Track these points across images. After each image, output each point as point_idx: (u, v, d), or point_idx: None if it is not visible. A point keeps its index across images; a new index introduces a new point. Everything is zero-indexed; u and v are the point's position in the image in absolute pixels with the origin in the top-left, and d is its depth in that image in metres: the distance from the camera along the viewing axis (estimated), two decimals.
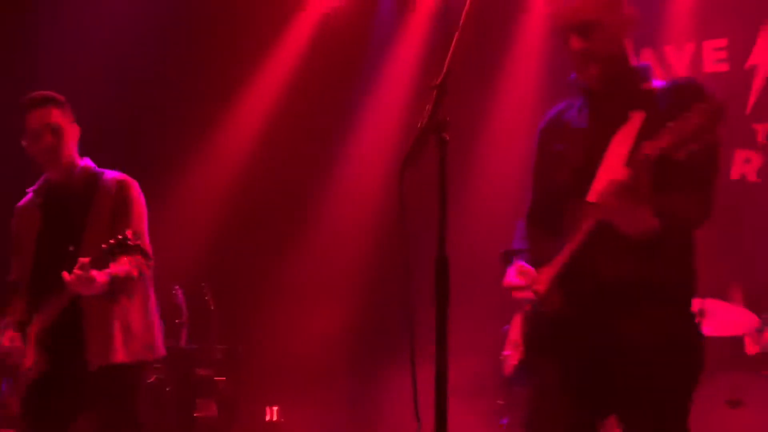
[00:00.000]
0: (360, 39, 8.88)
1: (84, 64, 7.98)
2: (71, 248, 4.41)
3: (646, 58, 8.10)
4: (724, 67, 7.98)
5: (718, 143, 3.00)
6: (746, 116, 7.84)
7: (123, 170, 4.70)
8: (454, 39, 2.75)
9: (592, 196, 3.05)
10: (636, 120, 3.07)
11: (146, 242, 4.55)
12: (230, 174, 8.61)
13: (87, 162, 4.67)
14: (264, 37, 8.75)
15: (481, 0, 2.83)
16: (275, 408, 7.08)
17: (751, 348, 6.46)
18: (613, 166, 3.01)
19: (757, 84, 7.85)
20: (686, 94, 3.09)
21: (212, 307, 7.49)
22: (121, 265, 4.29)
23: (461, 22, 2.78)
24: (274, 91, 8.77)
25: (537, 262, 3.19)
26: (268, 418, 7.17)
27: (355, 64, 8.85)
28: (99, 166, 4.71)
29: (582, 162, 3.15)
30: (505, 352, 3.25)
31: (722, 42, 7.98)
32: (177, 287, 7.27)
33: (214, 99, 8.63)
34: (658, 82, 3.26)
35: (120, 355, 4.41)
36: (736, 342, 6.64)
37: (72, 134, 4.59)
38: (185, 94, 8.52)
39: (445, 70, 2.72)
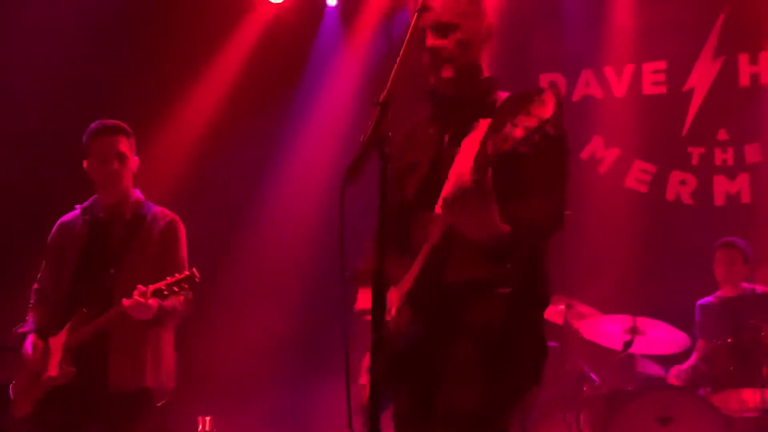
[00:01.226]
0: (304, 46, 8.86)
1: (24, 64, 7.88)
2: (112, 270, 4.63)
3: (586, 78, 8.24)
4: (662, 90, 8.13)
5: (561, 138, 2.96)
6: (682, 138, 7.99)
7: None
8: (399, 56, 2.76)
9: (439, 207, 2.99)
10: (482, 127, 3.02)
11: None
12: (168, 178, 8.52)
13: (138, 193, 4.91)
14: (209, 40, 8.67)
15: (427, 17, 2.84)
16: (208, 418, 6.99)
17: (673, 380, 6.54)
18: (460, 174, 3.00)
19: (693, 107, 8.00)
20: (525, 98, 3.06)
21: None
22: (174, 300, 4.52)
23: (406, 38, 2.80)
24: (217, 95, 8.70)
25: (388, 282, 3.08)
26: (200, 428, 7.09)
27: (297, 74, 8.83)
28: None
29: (430, 173, 3.14)
30: (362, 381, 3.10)
31: (661, 65, 8.14)
32: None
33: (155, 102, 8.53)
34: (503, 94, 3.25)
35: (149, 380, 4.60)
36: (668, 360, 6.74)
37: (133, 165, 4.85)
38: (123, 98, 8.42)
39: (388, 86, 2.72)
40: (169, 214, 4.91)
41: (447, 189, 2.94)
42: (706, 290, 6.83)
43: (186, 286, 4.45)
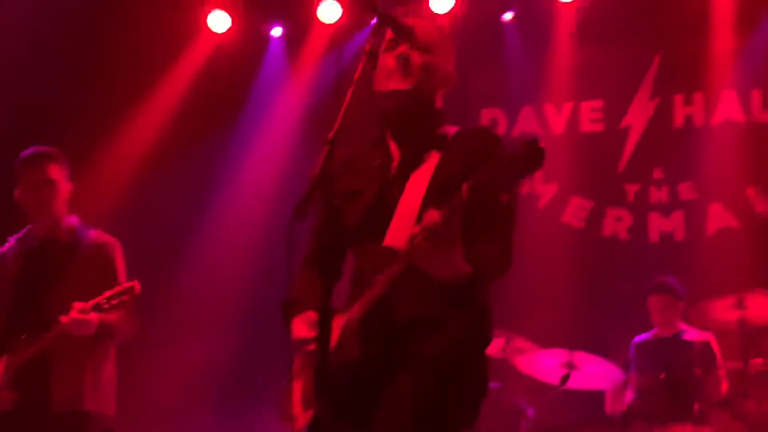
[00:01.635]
0: (247, 77, 8.85)
1: None
2: (49, 296, 4.61)
3: (526, 114, 8.37)
4: (599, 127, 8.29)
5: (518, 193, 3.04)
6: (618, 175, 8.13)
7: None
8: (348, 94, 2.79)
9: (389, 239, 3.02)
10: (432, 161, 3.08)
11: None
12: (110, 203, 8.43)
13: (74, 219, 4.85)
14: (152, 66, 8.61)
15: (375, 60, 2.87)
16: None
17: (611, 407, 6.62)
18: (409, 209, 3.02)
19: (630, 145, 8.16)
20: (480, 138, 3.19)
21: None
22: (115, 316, 4.50)
23: (355, 77, 2.83)
24: (159, 122, 8.63)
25: (321, 310, 3.02)
26: None
27: (240, 105, 8.81)
28: None
29: (376, 202, 3.12)
30: (294, 411, 3.05)
31: (599, 103, 8.30)
32: None
33: (97, 127, 8.46)
34: (452, 129, 3.27)
35: (89, 403, 4.57)
36: (602, 396, 6.82)
37: (65, 191, 4.80)
38: (65, 123, 8.34)
39: (337, 125, 2.74)
40: (106, 238, 4.89)
41: (398, 226, 2.97)
42: (643, 325, 6.93)
43: (126, 298, 4.40)
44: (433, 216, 2.75)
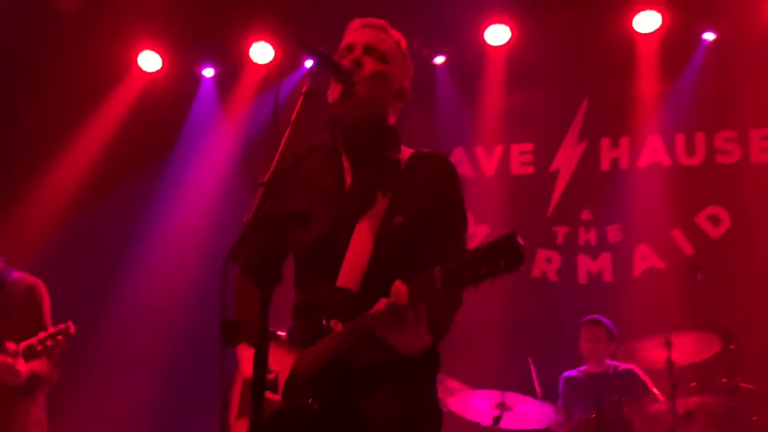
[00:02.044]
0: (178, 116, 8.81)
1: None
2: None
3: (457, 157, 8.45)
4: (529, 170, 8.41)
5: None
6: (548, 218, 8.24)
7: None
8: (284, 137, 2.78)
9: (342, 280, 2.96)
10: (383, 204, 3.02)
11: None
12: (37, 243, 8.29)
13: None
14: (81, 106, 8.54)
15: (312, 102, 2.86)
16: None
17: None
18: (362, 249, 2.97)
19: (559, 188, 8.29)
20: (435, 169, 3.12)
21: None
22: (42, 364, 4.43)
23: (291, 120, 2.81)
24: (89, 160, 8.55)
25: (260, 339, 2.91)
26: None
27: (170, 145, 8.76)
28: None
29: (327, 236, 3.04)
30: None
31: (528, 146, 8.42)
32: None
33: (25, 166, 8.34)
34: (407, 150, 3.20)
35: None
36: None
37: None
38: None
39: (272, 167, 2.72)
40: (30, 279, 4.80)
41: (350, 268, 2.94)
42: (572, 366, 7.01)
43: (61, 338, 4.33)
44: (401, 293, 2.70)
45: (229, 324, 3.12)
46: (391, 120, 3.22)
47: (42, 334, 4.32)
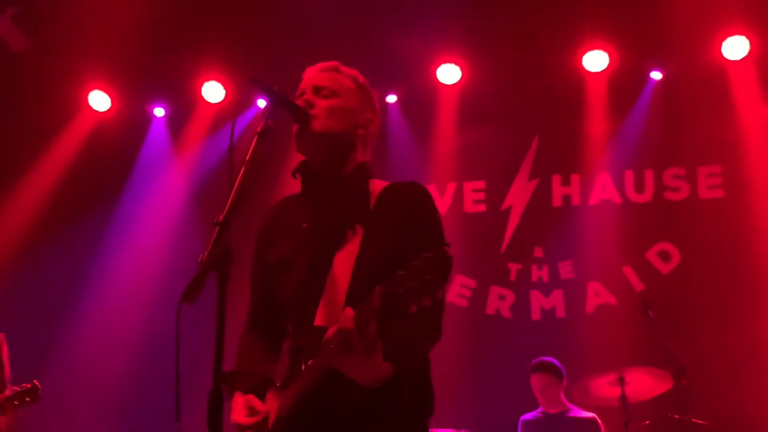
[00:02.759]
0: (129, 156, 8.75)
1: None
2: None
3: None
4: (482, 208, 8.45)
5: (445, 290, 2.81)
6: (501, 255, 8.27)
7: None
8: (239, 176, 2.75)
9: (320, 319, 2.96)
10: (356, 240, 3.02)
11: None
12: None
13: None
14: (29, 145, 8.45)
15: (270, 138, 2.86)
16: None
17: None
18: (338, 286, 2.97)
19: (511, 225, 8.33)
20: (407, 200, 3.11)
21: None
22: (4, 420, 4.44)
23: (246, 159, 2.80)
24: (38, 200, 8.45)
25: (262, 382, 3.07)
26: None
27: (120, 184, 8.68)
28: None
29: (305, 279, 3.04)
30: None
31: (481, 184, 8.46)
32: None
33: None
34: (379, 184, 3.21)
35: None
36: None
37: None
38: None
39: (228, 206, 2.70)
40: None
41: (327, 308, 2.93)
42: (528, 402, 6.98)
43: (28, 399, 4.28)
44: (348, 317, 2.68)
45: (226, 375, 3.06)
46: (360, 151, 3.24)
47: (8, 393, 4.25)
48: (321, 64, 3.28)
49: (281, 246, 3.16)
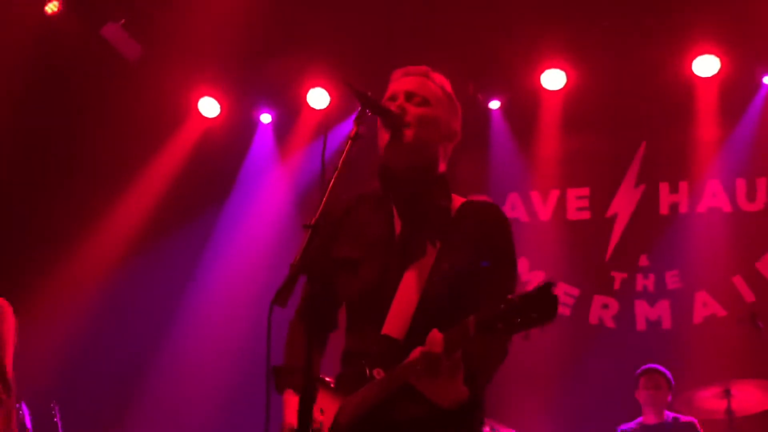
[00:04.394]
0: (235, 162, 8.92)
1: None
2: None
3: (513, 201, 8.41)
4: (586, 215, 8.33)
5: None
6: (605, 263, 8.14)
7: None
8: (331, 181, 2.78)
9: (387, 328, 2.95)
10: (432, 254, 3.00)
11: (8, 367, 4.68)
12: (93, 284, 8.42)
13: None
14: (140, 152, 8.68)
15: (360, 145, 2.89)
16: None
17: None
18: (408, 298, 2.95)
19: (616, 233, 8.19)
20: (485, 220, 3.10)
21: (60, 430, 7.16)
22: None
23: (339, 164, 2.82)
24: (147, 205, 8.67)
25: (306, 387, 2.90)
26: None
27: (227, 190, 8.85)
28: None
29: (375, 284, 3.02)
30: None
31: (585, 191, 8.35)
32: (23, 403, 6.95)
33: (82, 212, 8.48)
34: (458, 199, 3.19)
35: None
36: None
37: None
38: (55, 202, 8.39)
39: (320, 210, 2.72)
40: None
41: (396, 316, 2.92)
42: (627, 414, 6.86)
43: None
44: (436, 341, 2.69)
45: (277, 370, 3.12)
46: (442, 164, 3.21)
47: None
48: (410, 68, 3.25)
49: (350, 245, 3.14)
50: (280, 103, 8.78)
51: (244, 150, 8.90)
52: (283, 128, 8.86)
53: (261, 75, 8.51)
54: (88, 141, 8.46)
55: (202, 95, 8.63)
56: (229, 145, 8.85)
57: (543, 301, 2.52)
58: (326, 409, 2.99)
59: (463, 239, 3.05)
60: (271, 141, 8.93)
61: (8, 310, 4.83)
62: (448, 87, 3.27)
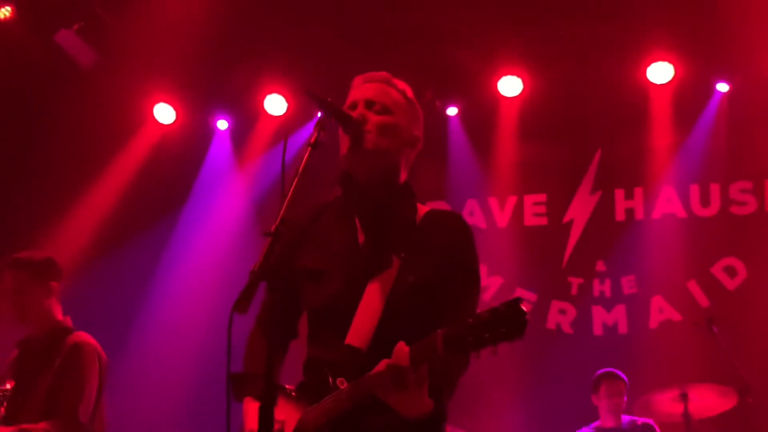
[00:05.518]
0: (192, 168, 8.86)
1: None
2: (20, 400, 4.61)
3: (471, 207, 8.43)
4: (543, 221, 8.38)
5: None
6: (562, 269, 8.19)
7: None
8: (291, 187, 2.77)
9: (351, 337, 2.94)
10: (396, 264, 3.00)
11: (79, 407, 4.60)
12: None
13: (64, 320, 4.90)
14: (95, 157, 8.59)
15: (321, 152, 2.87)
16: None
17: None
18: (372, 308, 2.95)
19: (572, 239, 8.25)
20: (448, 231, 3.09)
21: None
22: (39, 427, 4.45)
23: (299, 171, 2.81)
24: (101, 212, 8.58)
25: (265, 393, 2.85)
26: None
27: (184, 196, 8.79)
28: None
29: (339, 295, 3.02)
30: None
31: (542, 197, 8.40)
32: None
33: (39, 215, 8.38)
34: (421, 208, 3.18)
35: None
36: None
37: (38, 293, 4.79)
38: (10, 208, 8.28)
39: (279, 217, 2.70)
40: (78, 338, 4.82)
41: (358, 327, 2.92)
42: (584, 419, 6.91)
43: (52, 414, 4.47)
44: (403, 354, 2.69)
45: (237, 377, 3.10)
46: (404, 171, 3.20)
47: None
48: (371, 74, 3.24)
49: (314, 255, 3.12)
50: (237, 110, 8.74)
51: (201, 157, 8.85)
52: (240, 135, 8.82)
53: (217, 81, 8.46)
54: (42, 147, 8.37)
55: (157, 101, 8.56)
56: (185, 151, 8.79)
57: (512, 316, 2.49)
58: (287, 417, 2.97)
59: (427, 250, 3.04)
60: (229, 147, 8.89)
61: (89, 349, 4.78)
62: (410, 93, 3.26)
